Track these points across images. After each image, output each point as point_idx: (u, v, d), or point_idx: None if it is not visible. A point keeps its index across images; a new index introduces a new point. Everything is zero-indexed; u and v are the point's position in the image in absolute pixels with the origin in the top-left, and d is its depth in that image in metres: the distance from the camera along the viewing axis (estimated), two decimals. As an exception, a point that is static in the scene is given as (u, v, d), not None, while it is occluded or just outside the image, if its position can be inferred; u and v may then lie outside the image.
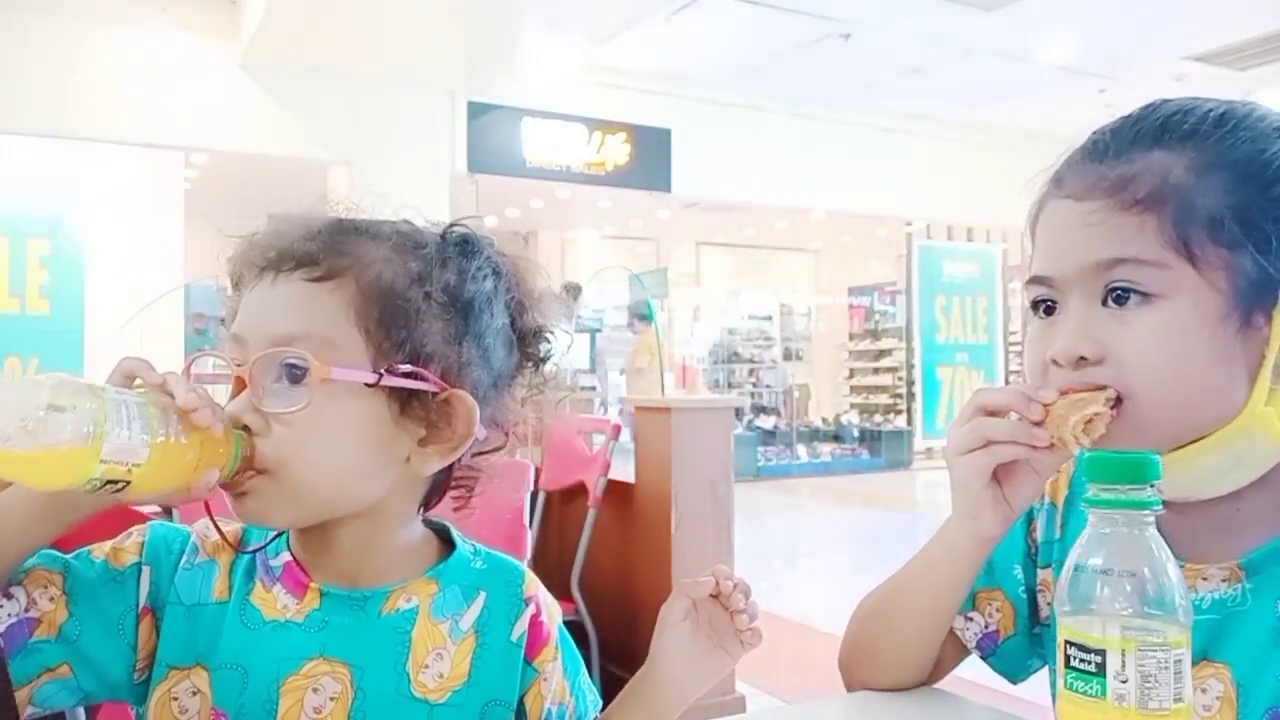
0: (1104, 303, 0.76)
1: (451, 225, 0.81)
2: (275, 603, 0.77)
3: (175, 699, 0.75)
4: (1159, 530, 0.80)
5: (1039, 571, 0.92)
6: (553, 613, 0.87)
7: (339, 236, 0.76)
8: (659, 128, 8.76)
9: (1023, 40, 7.91)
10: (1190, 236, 0.73)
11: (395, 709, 0.76)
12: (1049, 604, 0.90)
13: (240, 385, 0.72)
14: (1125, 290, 0.74)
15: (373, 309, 0.73)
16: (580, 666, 0.89)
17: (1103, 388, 0.74)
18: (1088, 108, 9.36)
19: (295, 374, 0.70)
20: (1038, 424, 0.76)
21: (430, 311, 0.74)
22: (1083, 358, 0.76)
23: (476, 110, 7.98)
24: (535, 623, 0.84)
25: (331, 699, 0.75)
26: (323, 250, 0.74)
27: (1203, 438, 0.76)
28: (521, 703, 0.82)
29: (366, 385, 0.72)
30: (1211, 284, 0.73)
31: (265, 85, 7.05)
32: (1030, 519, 0.94)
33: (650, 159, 8.77)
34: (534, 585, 0.86)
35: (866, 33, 7.73)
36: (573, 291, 7.67)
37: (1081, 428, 0.74)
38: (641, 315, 8.17)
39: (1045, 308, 0.80)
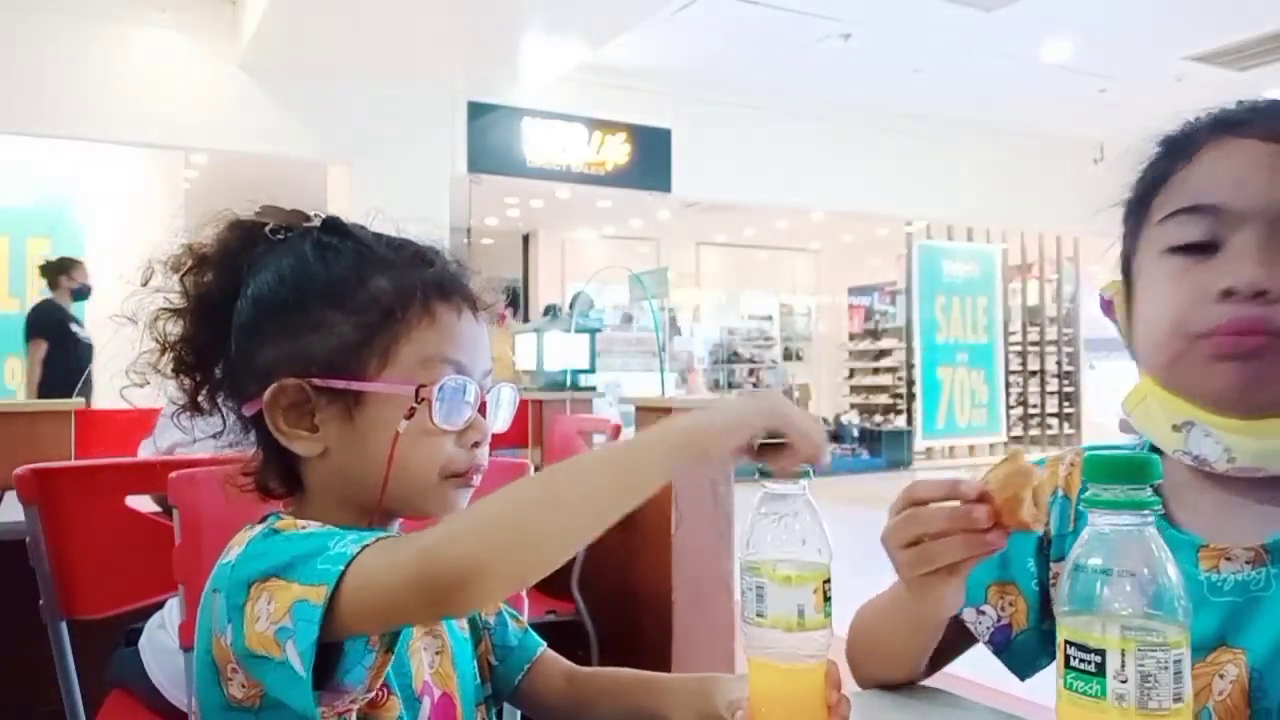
0: None
1: None
2: None
3: None
4: (1186, 508, 0.80)
5: (1051, 565, 0.90)
6: None
7: None
8: (659, 128, 8.75)
9: (1023, 40, 7.91)
10: None
11: (462, 650, 0.93)
12: None
13: None
14: None
15: None
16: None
17: (1014, 456, 0.71)
18: (1088, 108, 9.39)
19: None
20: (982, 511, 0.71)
21: None
22: (1261, 292, 0.73)
23: (476, 110, 7.97)
24: None
25: (436, 654, 0.90)
26: None
27: None
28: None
29: None
30: None
31: (265, 85, 7.04)
32: None
33: (650, 159, 8.76)
34: None
35: (866, 33, 7.72)
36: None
37: (1033, 505, 0.70)
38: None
39: (1199, 247, 0.77)
